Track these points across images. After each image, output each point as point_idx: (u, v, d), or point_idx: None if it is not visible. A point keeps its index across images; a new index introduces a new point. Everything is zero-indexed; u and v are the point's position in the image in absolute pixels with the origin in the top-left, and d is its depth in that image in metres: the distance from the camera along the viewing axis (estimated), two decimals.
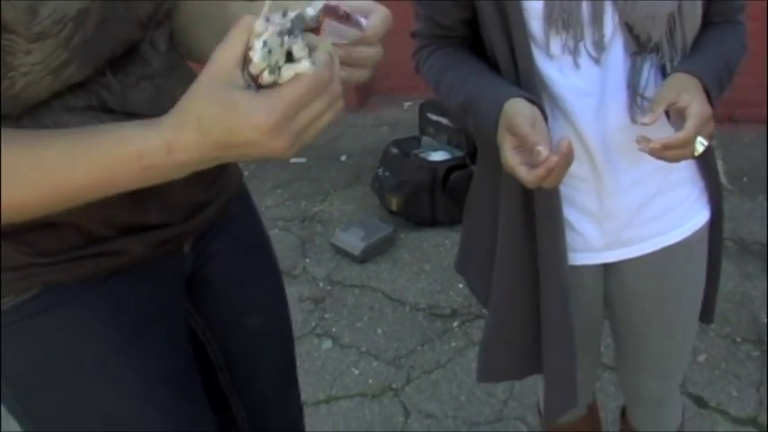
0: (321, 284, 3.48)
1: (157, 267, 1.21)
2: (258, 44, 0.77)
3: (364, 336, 3.14)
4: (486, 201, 1.54)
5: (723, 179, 3.74)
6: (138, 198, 1.01)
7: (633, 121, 1.33)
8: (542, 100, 1.33)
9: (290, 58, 0.79)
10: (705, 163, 1.50)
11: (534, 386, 1.96)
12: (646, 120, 1.22)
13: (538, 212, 1.42)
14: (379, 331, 3.15)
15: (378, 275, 3.49)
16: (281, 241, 3.78)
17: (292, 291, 3.36)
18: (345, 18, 0.89)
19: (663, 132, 1.23)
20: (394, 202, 3.74)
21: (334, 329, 3.19)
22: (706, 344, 2.83)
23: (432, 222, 3.73)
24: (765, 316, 2.93)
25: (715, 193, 1.53)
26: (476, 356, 1.72)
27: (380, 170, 3.86)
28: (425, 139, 3.97)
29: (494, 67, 1.40)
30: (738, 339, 2.86)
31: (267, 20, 0.79)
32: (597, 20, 1.29)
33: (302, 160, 4.43)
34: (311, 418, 2.69)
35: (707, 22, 1.37)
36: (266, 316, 1.47)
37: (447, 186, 3.64)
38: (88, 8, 0.94)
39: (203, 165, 0.87)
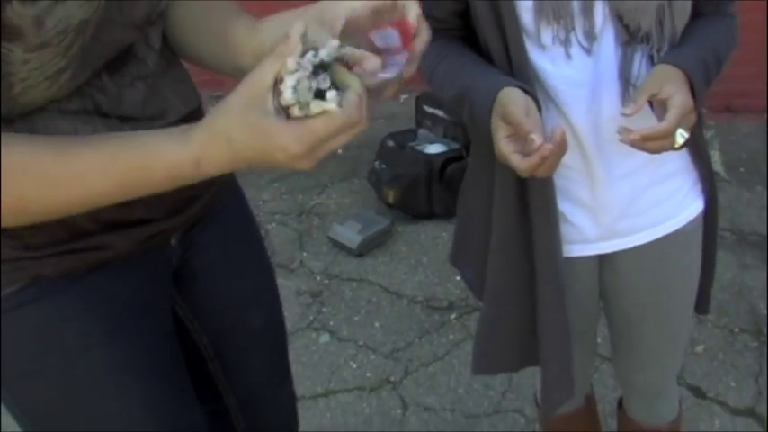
0: (318, 278, 3.47)
1: (144, 260, 1.22)
2: (289, 81, 0.81)
3: (362, 329, 3.13)
4: (480, 193, 1.53)
5: (721, 169, 3.74)
6: None
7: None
8: (536, 90, 1.33)
9: (319, 93, 0.82)
10: (698, 153, 1.49)
11: (532, 378, 1.96)
12: (627, 110, 1.22)
13: (532, 204, 1.42)
14: (377, 324, 3.14)
15: (375, 268, 3.48)
16: (278, 235, 3.77)
17: (290, 284, 3.36)
18: (378, 53, 0.91)
19: (648, 123, 1.23)
20: (391, 195, 3.73)
21: (331, 323, 3.19)
22: (704, 335, 2.83)
23: (429, 215, 3.72)
24: (764, 306, 2.93)
25: (709, 184, 1.52)
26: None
27: (377, 163, 3.85)
28: (422, 131, 3.96)
29: (487, 58, 1.39)
30: (736, 330, 2.86)
31: (300, 57, 0.82)
32: (587, 10, 1.29)
33: None
34: (309, 412, 2.69)
35: (698, 13, 1.37)
36: (255, 306, 1.48)
37: (444, 179, 3.64)
38: (89, 18, 0.95)
39: (228, 172, 0.94)
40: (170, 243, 1.27)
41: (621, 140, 1.22)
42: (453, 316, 3.12)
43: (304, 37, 0.83)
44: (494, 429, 2.59)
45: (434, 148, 3.77)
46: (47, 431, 1.21)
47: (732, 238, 3.30)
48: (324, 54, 0.83)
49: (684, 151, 1.44)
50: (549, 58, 1.34)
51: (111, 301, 1.18)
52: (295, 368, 1.63)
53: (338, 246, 3.63)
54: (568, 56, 1.32)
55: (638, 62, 1.34)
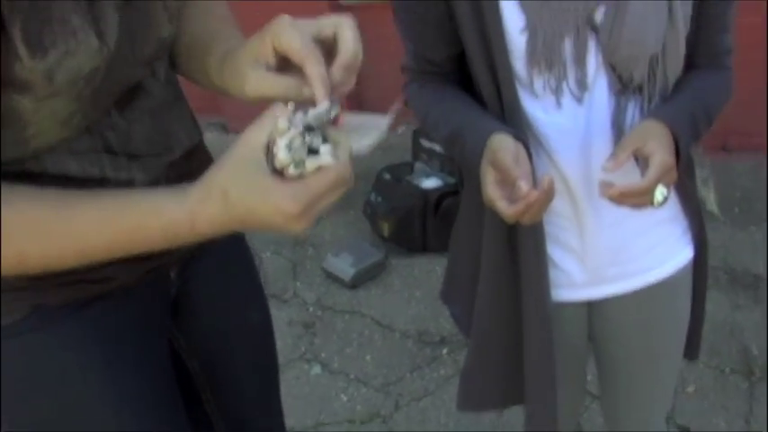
0: (311, 309, 3.47)
1: (143, 292, 1.23)
2: (282, 142, 0.82)
3: (353, 362, 3.13)
4: (470, 232, 1.54)
5: (715, 209, 3.75)
6: None
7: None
8: (527, 137, 1.33)
9: (311, 150, 0.84)
10: (688, 201, 1.50)
11: (522, 414, 1.95)
12: (608, 165, 1.23)
13: (521, 247, 1.42)
14: (369, 357, 3.14)
15: (368, 301, 3.48)
16: (272, 264, 3.78)
17: (282, 315, 3.36)
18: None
19: (634, 175, 1.23)
20: (385, 228, 3.74)
21: (323, 355, 3.19)
22: (695, 375, 2.83)
23: (423, 249, 3.73)
24: (755, 347, 2.93)
25: (699, 231, 1.53)
26: None
27: (373, 195, 3.86)
28: (418, 165, 3.97)
29: (481, 102, 1.41)
30: (727, 370, 2.86)
31: (290, 118, 0.84)
32: (580, 58, 1.30)
33: None
34: None
35: (693, 65, 1.38)
36: (249, 338, 1.49)
37: (438, 213, 3.65)
38: (99, 66, 0.96)
39: (223, 233, 0.92)
40: (169, 276, 1.29)
41: (601, 195, 1.22)
42: (445, 351, 3.12)
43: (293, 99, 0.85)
44: None
45: (430, 182, 3.78)
46: None
47: (725, 278, 3.30)
48: (312, 117, 0.84)
49: (674, 199, 1.45)
50: (541, 106, 1.35)
51: (110, 332, 1.19)
52: (286, 400, 1.64)
53: (332, 277, 3.64)
54: (559, 104, 1.33)
55: (632, 111, 1.34)
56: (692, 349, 1.66)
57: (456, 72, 1.46)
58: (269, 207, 0.83)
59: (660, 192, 1.23)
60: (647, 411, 1.73)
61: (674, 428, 2.58)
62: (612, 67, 1.31)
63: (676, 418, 2.63)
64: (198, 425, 1.42)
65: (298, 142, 0.82)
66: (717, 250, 3.35)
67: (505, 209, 1.20)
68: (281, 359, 1.61)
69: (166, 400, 1.30)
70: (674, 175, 1.24)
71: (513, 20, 1.29)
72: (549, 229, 1.43)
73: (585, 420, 2.44)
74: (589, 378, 1.91)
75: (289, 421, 1.68)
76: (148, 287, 1.23)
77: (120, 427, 1.22)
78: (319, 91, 0.88)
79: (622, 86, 1.33)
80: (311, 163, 0.83)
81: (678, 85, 1.36)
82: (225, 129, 5.28)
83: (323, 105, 0.86)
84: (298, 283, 3.66)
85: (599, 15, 1.28)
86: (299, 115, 0.84)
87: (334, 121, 0.88)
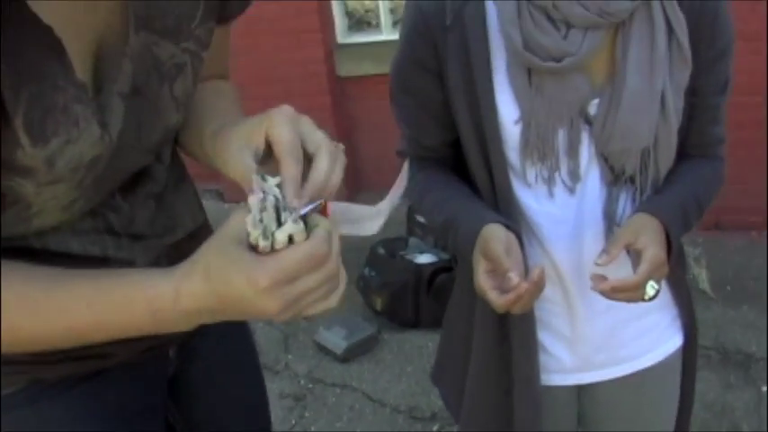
0: (302, 381, 3.46)
1: (141, 369, 1.22)
2: (251, 218, 0.82)
3: None
4: (462, 318, 1.55)
5: (707, 288, 3.75)
6: None
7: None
8: (520, 225, 1.35)
9: (281, 223, 0.83)
10: (679, 289, 1.51)
11: None
12: (600, 260, 1.24)
13: (512, 333, 1.43)
14: None
15: (360, 375, 3.47)
16: (264, 336, 3.77)
17: (273, 387, 3.34)
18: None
19: (626, 268, 1.25)
20: (379, 302, 3.75)
21: (313, 428, 3.17)
22: None
23: (415, 324, 3.73)
24: (746, 426, 2.91)
25: (689, 319, 1.53)
26: None
27: (366, 269, 3.88)
28: (413, 240, 3.99)
29: (474, 188, 1.43)
30: None
31: (262, 192, 0.83)
32: (573, 150, 1.32)
33: None
34: None
35: (684, 154, 1.39)
36: (246, 413, 1.47)
37: (432, 289, 3.66)
38: (101, 154, 0.97)
39: (206, 316, 0.90)
40: (168, 354, 1.28)
41: (592, 289, 1.24)
42: (436, 428, 3.10)
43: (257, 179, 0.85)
44: None
45: (424, 258, 3.80)
46: None
47: (716, 357, 3.29)
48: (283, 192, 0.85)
49: (665, 287, 1.46)
50: (534, 195, 1.37)
51: (107, 408, 1.18)
52: None
53: (324, 350, 3.63)
54: (551, 194, 1.36)
55: (623, 202, 1.36)
56: (681, 431, 1.65)
57: (451, 158, 1.48)
58: (241, 278, 0.82)
59: (651, 286, 1.24)
60: None
61: None
62: (605, 159, 1.33)
63: None
64: None
65: (267, 216, 0.82)
66: (708, 329, 3.35)
67: (496, 299, 1.21)
68: None
69: None
70: (665, 270, 1.26)
71: (508, 110, 1.32)
72: (540, 314, 1.44)
73: None
74: None
75: None
76: (147, 365, 1.23)
77: None
78: (288, 192, 0.86)
79: (614, 177, 1.35)
80: (281, 234, 0.82)
81: (670, 175, 1.37)
82: (221, 197, 5.31)
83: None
84: (289, 356, 3.65)
85: (592, 108, 1.31)
86: (270, 183, 0.84)
87: (323, 211, 0.88)
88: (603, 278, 1.23)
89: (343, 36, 5.25)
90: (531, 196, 1.38)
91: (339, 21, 5.22)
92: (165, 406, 1.34)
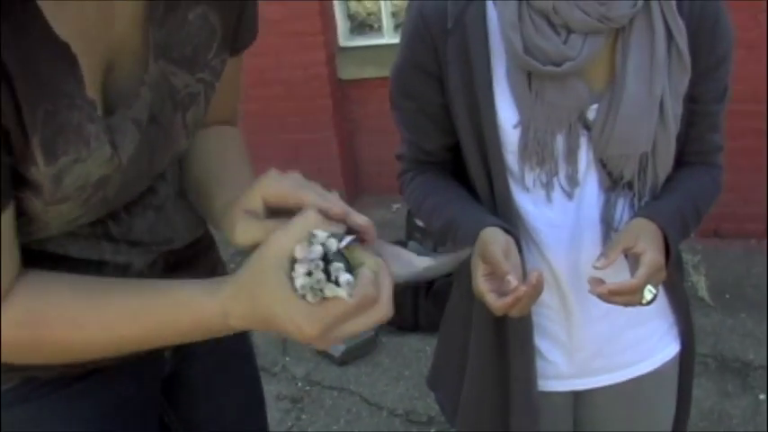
0: (300, 384, 3.46)
1: (136, 369, 1.22)
2: (301, 269, 0.80)
3: None
4: (459, 322, 1.55)
5: (706, 295, 3.75)
6: None
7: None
8: (518, 229, 1.35)
9: (330, 278, 0.81)
10: (676, 296, 1.51)
11: None
12: (598, 264, 1.24)
13: (509, 338, 1.43)
14: None
15: (357, 378, 3.47)
16: (261, 338, 3.75)
17: (271, 389, 3.35)
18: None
19: (624, 272, 1.25)
20: None
21: (310, 431, 3.17)
22: None
23: (414, 327, 3.73)
24: None
25: (686, 326, 1.53)
26: None
27: None
28: (412, 244, 3.99)
29: (473, 191, 1.43)
30: None
31: (309, 242, 0.81)
32: (572, 155, 1.33)
33: None
34: None
35: (683, 161, 1.40)
36: (242, 416, 1.46)
37: (430, 293, 3.66)
38: (110, 175, 0.97)
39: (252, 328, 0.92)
40: (164, 354, 1.28)
41: (590, 292, 1.24)
42: (432, 431, 3.09)
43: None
44: None
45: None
46: None
47: (714, 365, 3.29)
48: (330, 245, 0.82)
49: (663, 294, 1.46)
50: (532, 199, 1.38)
51: (100, 408, 1.18)
52: None
53: (321, 353, 3.62)
54: (549, 199, 1.36)
55: (621, 207, 1.36)
56: None
57: (450, 162, 1.48)
58: (289, 324, 0.82)
59: (649, 290, 1.24)
60: None
61: None
62: (603, 164, 1.34)
63: None
64: None
65: (317, 275, 0.80)
66: (706, 336, 3.35)
67: (494, 302, 1.21)
68: None
69: None
70: (663, 274, 1.26)
71: (508, 114, 1.32)
72: (537, 320, 1.44)
73: None
74: None
75: None
76: (142, 364, 1.22)
77: None
78: (336, 210, 0.86)
79: (612, 183, 1.35)
80: (330, 291, 0.80)
81: (668, 182, 1.38)
82: None
83: (346, 239, 0.83)
84: (287, 358, 3.65)
85: (591, 113, 1.31)
86: (321, 237, 0.82)
87: (362, 242, 0.86)
88: (601, 281, 1.23)
89: (345, 39, 5.25)
90: (529, 201, 1.38)
91: (341, 24, 5.22)
92: (160, 406, 1.34)
